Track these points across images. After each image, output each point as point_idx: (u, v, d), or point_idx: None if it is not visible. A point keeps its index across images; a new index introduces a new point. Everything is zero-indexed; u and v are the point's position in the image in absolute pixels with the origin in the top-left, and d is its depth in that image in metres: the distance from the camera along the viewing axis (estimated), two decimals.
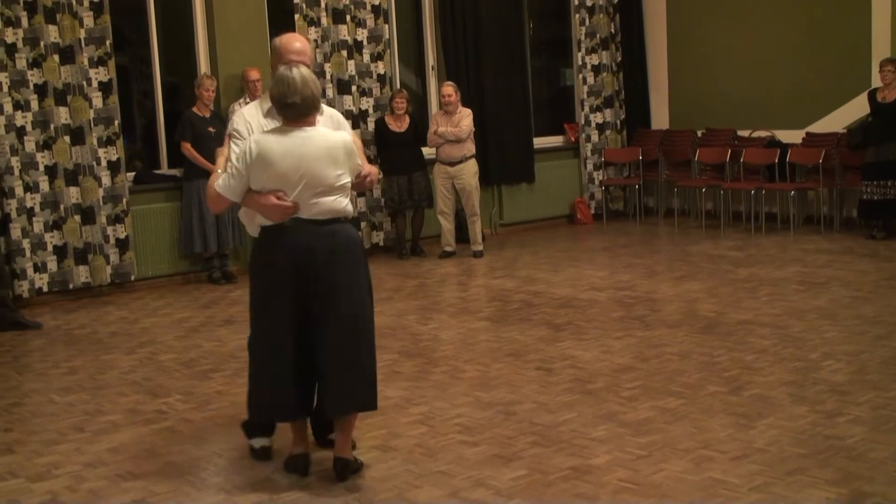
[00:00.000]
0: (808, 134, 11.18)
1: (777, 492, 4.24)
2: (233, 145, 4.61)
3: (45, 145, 8.90)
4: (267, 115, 4.69)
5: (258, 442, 4.99)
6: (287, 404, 4.60)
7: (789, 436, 4.88)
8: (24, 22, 8.72)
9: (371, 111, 10.71)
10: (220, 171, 4.61)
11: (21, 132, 8.75)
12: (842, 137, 10.80)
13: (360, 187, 4.75)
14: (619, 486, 4.39)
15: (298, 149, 4.42)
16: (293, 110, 4.43)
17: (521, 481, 4.49)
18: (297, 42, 4.73)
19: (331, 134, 4.56)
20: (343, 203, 4.55)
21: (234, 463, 4.93)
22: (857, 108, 10.73)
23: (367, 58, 10.68)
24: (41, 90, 8.83)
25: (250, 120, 4.68)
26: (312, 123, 4.52)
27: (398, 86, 11.09)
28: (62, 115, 8.93)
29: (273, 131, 4.51)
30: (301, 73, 4.44)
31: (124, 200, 9.27)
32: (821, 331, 6.83)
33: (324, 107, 4.71)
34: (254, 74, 9.55)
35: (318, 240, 4.48)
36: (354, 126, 10.56)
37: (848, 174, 10.83)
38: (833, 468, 4.46)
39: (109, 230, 9.22)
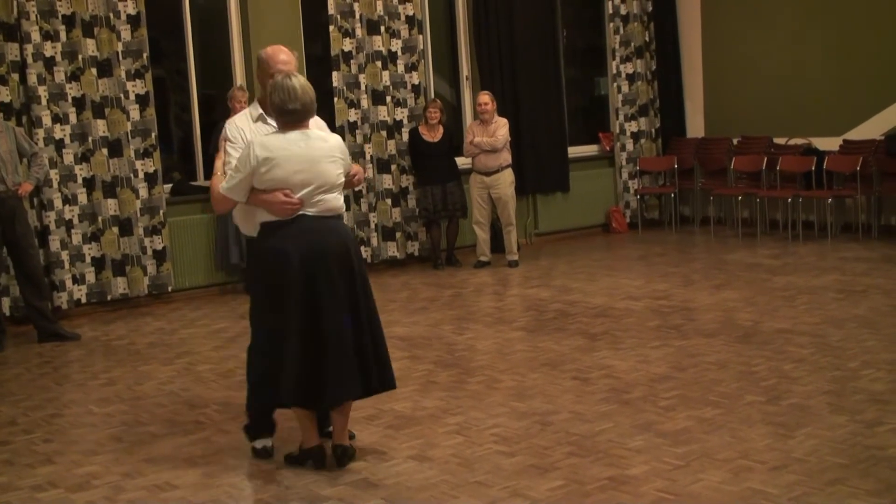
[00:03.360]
0: (845, 141, 11.09)
1: (817, 502, 4.20)
2: (230, 150, 4.93)
3: (84, 158, 8.99)
4: (257, 120, 5.04)
5: (261, 443, 5.18)
6: (302, 390, 4.80)
7: (829, 446, 4.84)
8: (63, 36, 8.81)
9: (405, 122, 10.74)
10: (219, 174, 4.92)
11: (60, 145, 8.84)
12: (879, 144, 10.71)
13: (349, 185, 5.07)
14: (656, 496, 4.37)
15: (303, 150, 4.74)
16: (293, 116, 4.74)
17: (557, 492, 4.48)
18: (282, 54, 5.03)
19: (327, 135, 4.93)
20: (341, 200, 4.92)
21: (271, 473, 4.94)
22: (895, 115, 10.63)
23: (401, 68, 10.72)
24: (79, 103, 8.92)
25: (242, 127, 5.00)
26: (308, 126, 4.84)
27: (433, 96, 11.11)
28: (100, 127, 9.02)
29: (275, 134, 4.80)
30: (300, 81, 4.76)
31: (161, 212, 9.34)
32: (860, 339, 6.77)
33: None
34: None
35: (327, 234, 4.78)
36: (389, 136, 10.60)
37: (886, 181, 10.73)
38: (874, 478, 4.41)
39: (147, 242, 9.29)
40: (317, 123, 5.05)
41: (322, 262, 4.74)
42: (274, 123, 4.88)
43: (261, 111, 5.05)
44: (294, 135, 4.75)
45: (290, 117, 4.74)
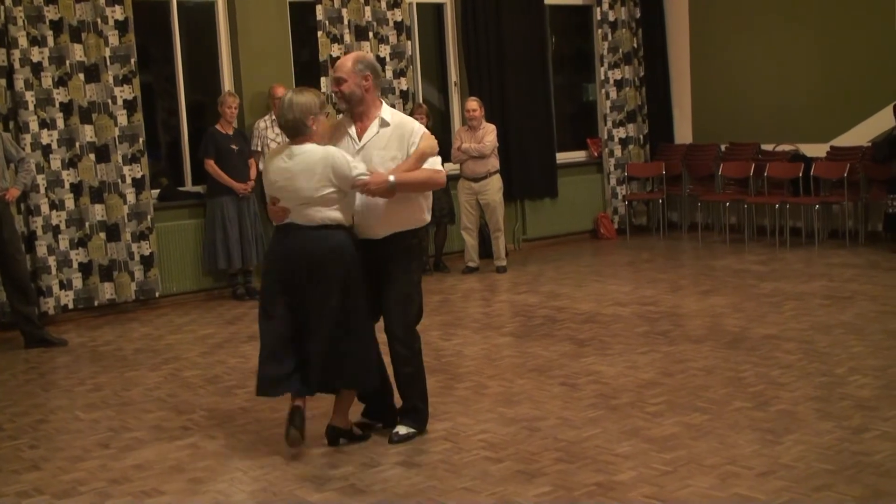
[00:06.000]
0: (832, 147, 11.13)
1: None
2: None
3: (71, 163, 8.96)
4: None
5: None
6: (283, 379, 5.17)
7: (816, 451, 4.85)
8: (50, 41, 8.79)
9: None
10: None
11: (47, 150, 8.81)
12: (866, 151, 10.75)
13: (368, 193, 5.14)
14: (644, 502, 4.37)
15: (284, 163, 5.08)
16: (284, 130, 5.15)
17: (545, 497, 4.48)
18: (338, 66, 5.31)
19: (316, 152, 5.07)
20: (329, 212, 5.08)
21: (258, 478, 4.93)
22: (881, 121, 10.68)
23: (389, 74, 10.72)
24: (66, 108, 8.90)
25: (259, 135, 5.31)
26: (300, 142, 5.09)
27: (420, 102, 11.10)
28: (87, 133, 9.00)
29: (278, 148, 5.29)
30: (290, 97, 5.09)
31: (149, 217, 9.32)
32: (847, 345, 6.78)
33: (393, 116, 5.29)
34: (280, 91, 9.57)
35: (310, 242, 5.07)
36: None
37: (873, 187, 10.77)
38: (861, 484, 4.42)
39: (134, 247, 9.27)
40: (398, 129, 5.23)
41: (304, 267, 5.08)
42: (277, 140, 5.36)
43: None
44: (287, 149, 5.12)
45: (283, 130, 5.15)
